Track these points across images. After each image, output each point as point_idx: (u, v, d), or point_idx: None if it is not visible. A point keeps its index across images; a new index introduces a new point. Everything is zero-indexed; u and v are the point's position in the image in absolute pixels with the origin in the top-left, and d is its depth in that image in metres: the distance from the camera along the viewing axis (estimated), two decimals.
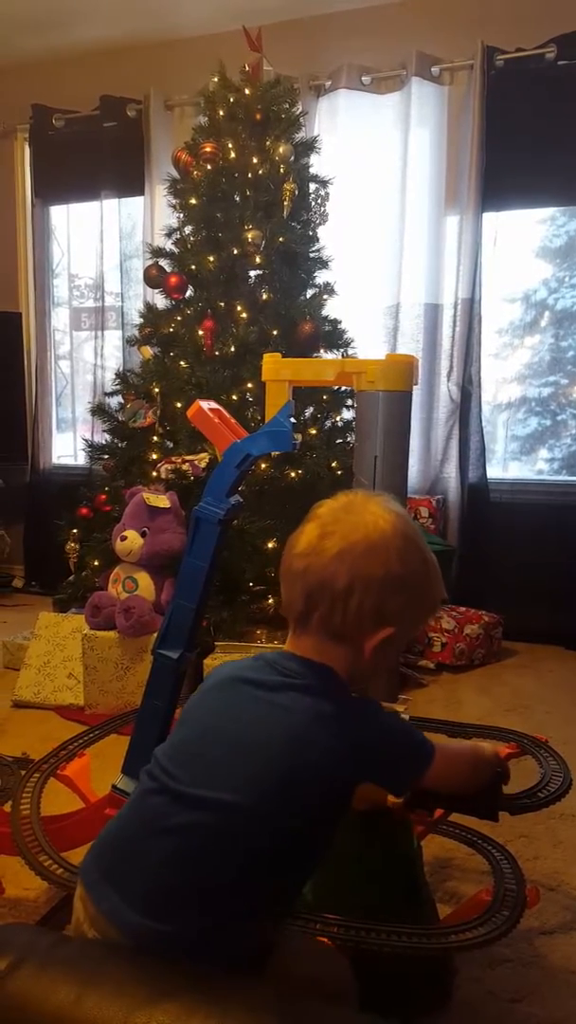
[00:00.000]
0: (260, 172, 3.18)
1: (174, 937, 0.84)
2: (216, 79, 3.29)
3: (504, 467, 4.06)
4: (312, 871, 0.96)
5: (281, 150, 3.16)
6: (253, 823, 0.86)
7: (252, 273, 3.26)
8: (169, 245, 3.37)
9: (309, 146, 3.37)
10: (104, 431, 3.46)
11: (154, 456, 3.13)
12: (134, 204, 4.33)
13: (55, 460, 4.70)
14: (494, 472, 3.89)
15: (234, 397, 3.05)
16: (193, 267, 3.22)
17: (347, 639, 0.94)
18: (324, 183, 3.37)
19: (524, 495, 3.82)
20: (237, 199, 3.23)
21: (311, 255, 3.37)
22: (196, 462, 2.97)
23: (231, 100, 3.24)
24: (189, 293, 3.30)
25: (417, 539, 0.96)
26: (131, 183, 4.23)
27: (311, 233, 3.37)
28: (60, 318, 4.70)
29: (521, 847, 1.90)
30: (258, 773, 0.87)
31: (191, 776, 0.89)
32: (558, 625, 3.63)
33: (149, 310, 3.43)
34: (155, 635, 1.49)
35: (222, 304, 3.17)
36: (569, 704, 2.93)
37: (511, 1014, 1.41)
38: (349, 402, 3.34)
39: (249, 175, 3.19)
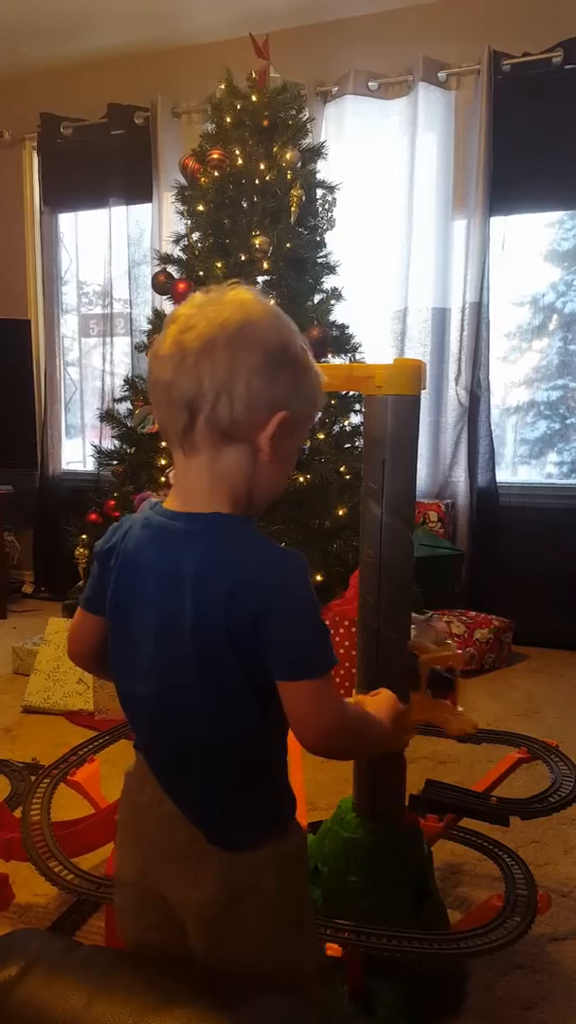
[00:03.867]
0: (267, 178, 3.19)
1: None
2: (223, 86, 3.30)
3: (513, 471, 4.06)
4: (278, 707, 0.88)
5: (288, 156, 3.17)
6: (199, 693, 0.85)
7: (260, 279, 3.26)
8: (177, 251, 3.38)
9: (316, 152, 3.38)
10: (113, 437, 3.47)
11: (163, 461, 3.13)
12: (142, 211, 4.35)
13: (64, 466, 4.72)
14: (503, 476, 3.89)
15: None
16: (201, 273, 3.23)
17: (240, 436, 0.85)
18: (331, 189, 3.38)
19: (533, 499, 3.82)
20: (244, 205, 3.25)
21: (319, 260, 3.38)
22: None
23: (238, 107, 3.25)
24: None
25: (281, 313, 0.89)
26: (139, 190, 4.25)
27: (318, 239, 3.38)
28: (69, 325, 4.72)
29: (532, 853, 1.89)
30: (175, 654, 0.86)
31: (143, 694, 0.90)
32: (569, 629, 3.61)
33: (157, 316, 3.45)
34: None
35: None
36: None
37: (523, 1021, 1.40)
38: (357, 407, 3.34)
39: (256, 181, 3.20)
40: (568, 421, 3.96)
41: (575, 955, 1.56)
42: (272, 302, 0.90)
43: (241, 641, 0.81)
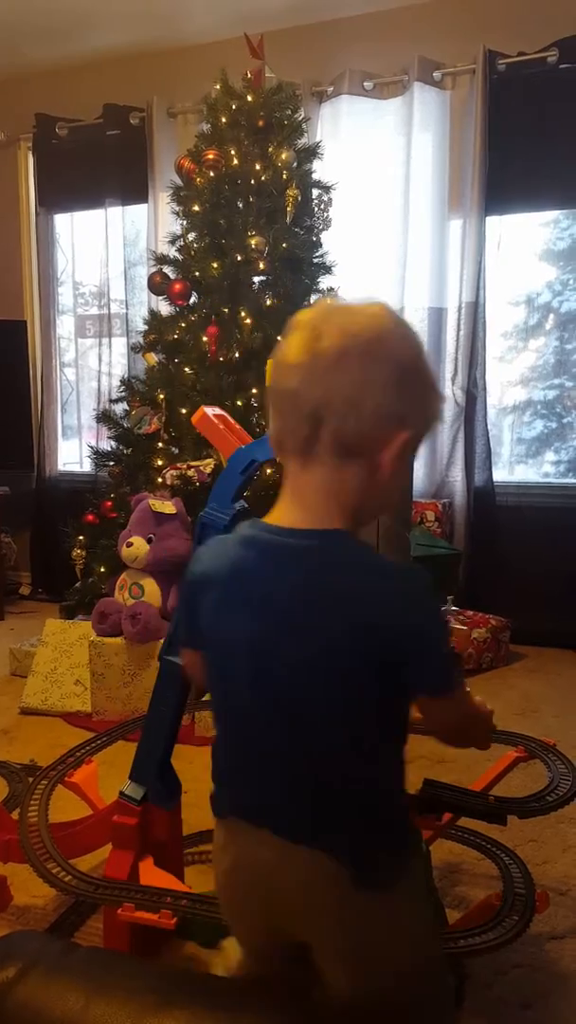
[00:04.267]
0: (263, 178, 3.19)
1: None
2: (218, 86, 3.30)
3: (510, 470, 4.06)
4: (405, 725, 0.89)
5: (284, 156, 3.17)
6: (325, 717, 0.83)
7: (256, 279, 3.26)
8: (173, 252, 3.38)
9: (312, 152, 3.37)
10: (109, 438, 3.47)
11: (159, 462, 3.13)
12: (138, 211, 4.34)
13: (61, 467, 4.72)
14: (500, 475, 3.89)
15: (239, 403, 3.05)
16: (197, 274, 3.23)
17: (362, 454, 0.82)
18: (327, 189, 3.38)
19: (530, 498, 3.82)
20: (240, 205, 3.24)
21: (315, 260, 3.38)
22: (201, 468, 2.97)
23: (233, 107, 3.25)
24: (193, 300, 3.31)
25: (411, 327, 0.87)
26: (135, 191, 4.25)
27: (314, 239, 3.38)
28: (65, 326, 4.72)
29: (530, 851, 1.89)
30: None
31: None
32: (567, 628, 3.61)
33: (153, 317, 3.45)
34: (162, 641, 1.49)
35: (226, 310, 3.18)
36: None
37: (521, 1019, 1.40)
38: None
39: (252, 181, 3.20)
40: (565, 420, 3.96)
41: (573, 953, 1.57)
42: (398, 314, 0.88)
43: (377, 662, 0.80)
